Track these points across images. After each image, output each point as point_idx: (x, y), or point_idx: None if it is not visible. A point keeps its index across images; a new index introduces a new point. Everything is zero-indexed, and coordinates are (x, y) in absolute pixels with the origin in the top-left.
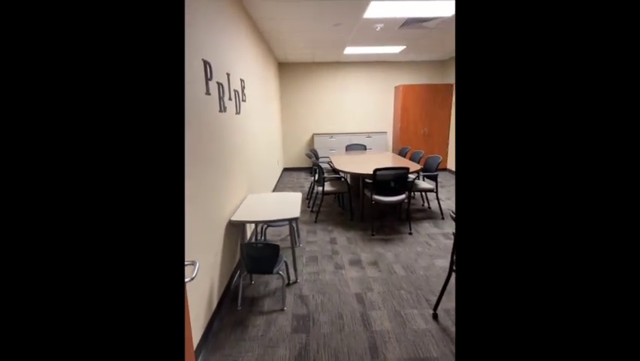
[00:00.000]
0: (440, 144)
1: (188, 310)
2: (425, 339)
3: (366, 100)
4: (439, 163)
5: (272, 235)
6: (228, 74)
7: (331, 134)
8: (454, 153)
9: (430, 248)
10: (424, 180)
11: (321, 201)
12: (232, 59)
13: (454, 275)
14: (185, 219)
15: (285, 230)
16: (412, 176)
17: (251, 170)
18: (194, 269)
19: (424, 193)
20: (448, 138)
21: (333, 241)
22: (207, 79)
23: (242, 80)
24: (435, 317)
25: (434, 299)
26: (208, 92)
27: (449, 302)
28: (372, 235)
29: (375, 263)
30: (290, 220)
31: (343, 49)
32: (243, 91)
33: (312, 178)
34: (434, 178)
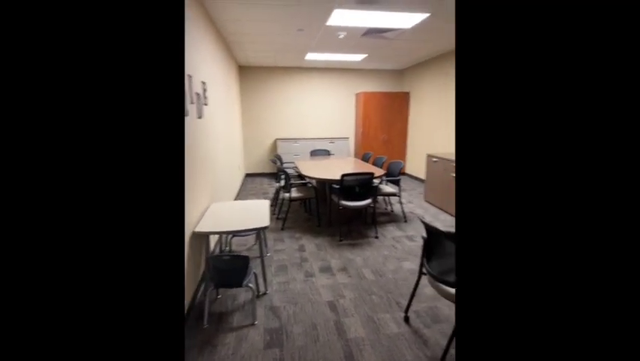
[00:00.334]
0: (399, 150)
1: None
2: (399, 343)
3: (328, 106)
4: (401, 168)
5: (237, 245)
6: (190, 76)
7: (295, 140)
8: (412, 158)
9: (397, 251)
10: (387, 184)
11: (289, 207)
12: (194, 61)
13: (423, 278)
14: None
15: (251, 239)
16: (376, 181)
17: (214, 177)
18: None
19: (387, 197)
20: (406, 144)
21: (301, 249)
22: None
23: (203, 83)
24: (406, 319)
25: (404, 302)
26: None
27: (418, 304)
28: (341, 240)
29: (344, 269)
30: (259, 230)
31: (305, 54)
32: (204, 94)
33: (277, 184)
34: (397, 183)
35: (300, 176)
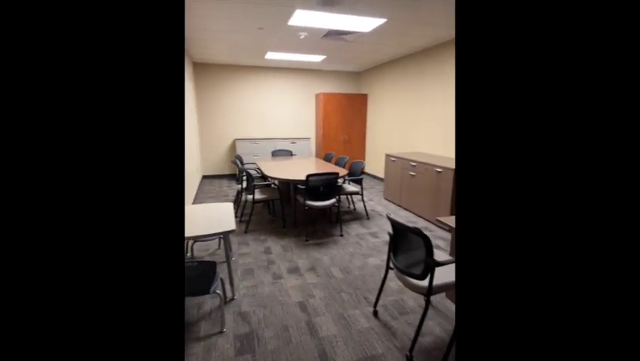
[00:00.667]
0: (359, 150)
1: None
2: (369, 337)
3: (289, 106)
4: (362, 168)
5: (199, 251)
6: None
7: (255, 140)
8: (371, 158)
9: (362, 248)
10: (349, 184)
11: (252, 209)
12: None
13: (390, 272)
14: None
15: (214, 244)
16: (339, 180)
17: None
18: None
19: (350, 196)
20: (365, 145)
21: (267, 251)
22: None
23: None
24: (375, 314)
25: (372, 297)
26: None
27: (385, 298)
28: (307, 240)
29: (313, 269)
30: (225, 234)
31: (265, 53)
32: None
33: (239, 186)
34: (359, 182)
35: (263, 177)
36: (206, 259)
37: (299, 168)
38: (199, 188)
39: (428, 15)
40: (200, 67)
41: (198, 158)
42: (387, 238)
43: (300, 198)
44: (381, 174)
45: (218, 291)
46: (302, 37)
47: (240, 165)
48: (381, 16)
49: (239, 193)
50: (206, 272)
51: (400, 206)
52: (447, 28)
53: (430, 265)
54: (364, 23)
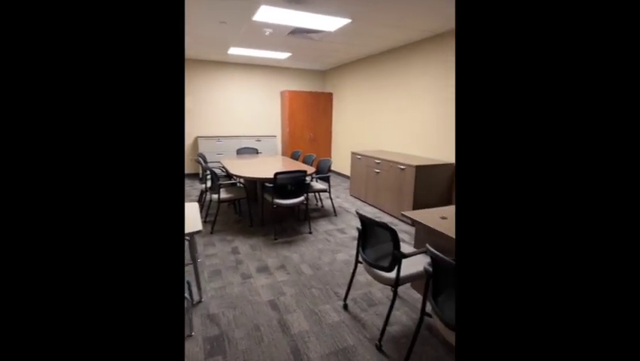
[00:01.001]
0: (325, 148)
1: None
2: (340, 330)
3: (253, 103)
4: (329, 165)
5: None
6: None
7: (218, 137)
8: (336, 156)
9: (330, 244)
10: (317, 181)
11: (217, 209)
12: None
13: (359, 266)
14: None
15: None
16: (307, 178)
17: None
18: None
19: (317, 193)
20: (331, 142)
21: (235, 251)
22: None
23: None
24: (345, 307)
25: (342, 291)
26: None
27: (354, 291)
28: (275, 239)
29: (282, 267)
30: (191, 235)
31: (228, 48)
32: None
33: (203, 185)
34: (326, 179)
35: (229, 175)
36: None
37: (266, 166)
38: None
39: (392, 17)
40: None
41: None
42: (354, 233)
43: (268, 197)
44: (347, 172)
45: (184, 294)
46: (267, 33)
47: (203, 163)
48: (345, 16)
49: (203, 193)
50: None
51: (365, 202)
52: (411, 31)
53: (397, 258)
54: (329, 22)
